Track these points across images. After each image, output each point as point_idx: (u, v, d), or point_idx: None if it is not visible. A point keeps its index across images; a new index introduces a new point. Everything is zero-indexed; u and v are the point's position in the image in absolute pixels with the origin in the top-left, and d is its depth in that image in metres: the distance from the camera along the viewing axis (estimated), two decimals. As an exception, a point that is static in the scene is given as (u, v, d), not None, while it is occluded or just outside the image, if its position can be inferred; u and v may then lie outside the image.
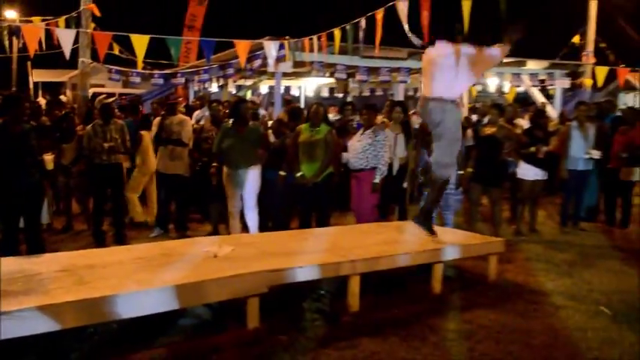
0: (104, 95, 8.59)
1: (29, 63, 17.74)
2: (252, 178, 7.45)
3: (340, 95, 20.32)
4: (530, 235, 8.74)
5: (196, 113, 12.11)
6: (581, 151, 8.94)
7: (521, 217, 9.02)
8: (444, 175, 6.21)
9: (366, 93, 20.85)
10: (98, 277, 4.48)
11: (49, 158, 6.66)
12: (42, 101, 17.10)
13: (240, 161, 7.42)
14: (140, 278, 4.49)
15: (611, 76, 17.63)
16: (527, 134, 8.89)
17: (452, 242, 6.27)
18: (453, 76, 5.86)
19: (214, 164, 7.78)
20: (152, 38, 11.29)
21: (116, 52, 15.68)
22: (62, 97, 21.16)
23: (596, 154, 9.03)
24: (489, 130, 8.24)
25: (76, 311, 3.91)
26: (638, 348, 4.71)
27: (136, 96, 15.56)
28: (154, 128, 9.02)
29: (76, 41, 11.84)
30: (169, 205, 8.61)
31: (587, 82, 16.67)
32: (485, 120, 9.28)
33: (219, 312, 5.06)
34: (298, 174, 7.41)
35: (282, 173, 7.69)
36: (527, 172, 8.74)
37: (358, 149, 7.49)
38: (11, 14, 25.28)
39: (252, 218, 7.54)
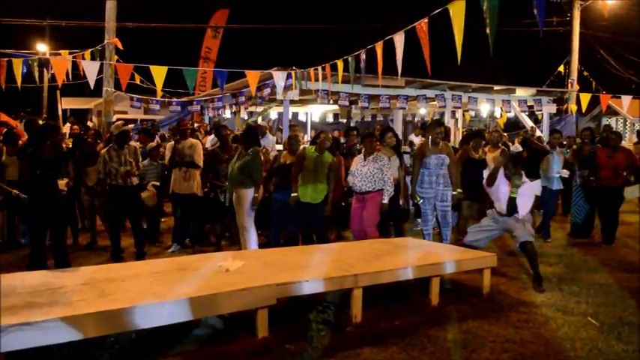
0: (121, 121, 8.49)
1: (58, 92, 17.88)
2: (242, 199, 7.38)
3: (344, 120, 20.38)
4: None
5: (210, 137, 12.15)
6: (554, 171, 9.09)
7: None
8: (531, 238, 6.79)
9: (368, 118, 20.88)
10: (118, 290, 4.45)
11: (62, 182, 6.64)
12: (66, 128, 17.20)
13: (232, 183, 7.44)
14: (157, 291, 4.45)
15: (594, 102, 17.66)
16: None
17: (449, 257, 6.22)
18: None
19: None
20: (170, 69, 11.38)
21: (137, 81, 15.77)
22: (89, 123, 21.32)
23: (565, 173, 9.21)
24: (477, 155, 8.37)
25: (97, 322, 3.87)
26: (623, 357, 4.63)
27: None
28: (167, 152, 8.98)
29: (100, 72, 11.92)
30: (185, 222, 8.54)
31: (573, 107, 16.66)
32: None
33: (231, 322, 5.01)
34: (293, 194, 7.65)
35: (294, 194, 7.72)
36: None
37: (366, 174, 7.47)
38: (42, 48, 25.61)
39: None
